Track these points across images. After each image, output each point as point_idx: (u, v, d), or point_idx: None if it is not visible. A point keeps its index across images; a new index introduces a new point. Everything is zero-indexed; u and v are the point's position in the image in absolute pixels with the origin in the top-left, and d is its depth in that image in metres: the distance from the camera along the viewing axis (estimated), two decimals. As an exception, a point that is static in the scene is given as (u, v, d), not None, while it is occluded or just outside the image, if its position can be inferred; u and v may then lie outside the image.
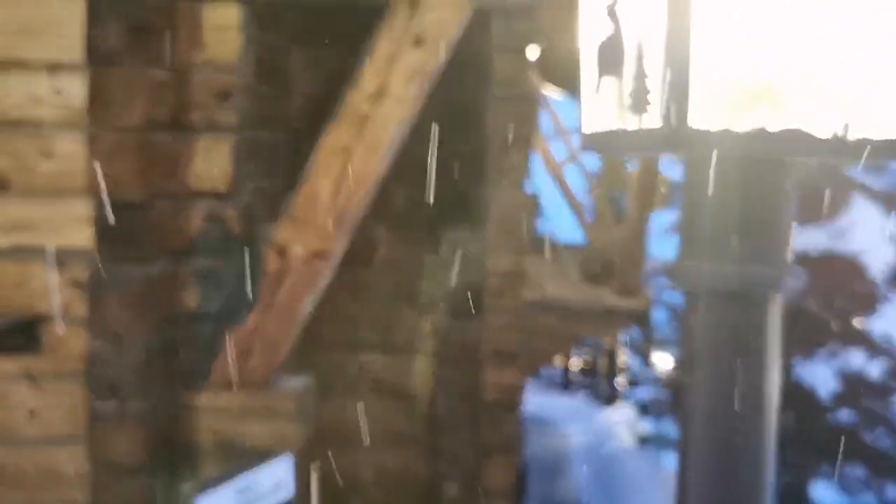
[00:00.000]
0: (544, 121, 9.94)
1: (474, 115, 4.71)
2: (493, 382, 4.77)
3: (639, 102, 0.98)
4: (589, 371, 13.73)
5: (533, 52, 5.08)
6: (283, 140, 4.43)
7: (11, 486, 3.29)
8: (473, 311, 4.74)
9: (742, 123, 0.98)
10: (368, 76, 3.26)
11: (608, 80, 1.03)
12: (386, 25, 3.24)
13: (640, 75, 0.98)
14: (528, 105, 4.95)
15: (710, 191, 1.03)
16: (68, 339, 3.24)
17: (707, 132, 0.97)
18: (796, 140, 0.97)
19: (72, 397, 3.24)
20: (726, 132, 0.97)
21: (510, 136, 4.90)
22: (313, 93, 4.72)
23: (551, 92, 10.83)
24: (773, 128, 0.97)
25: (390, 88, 3.25)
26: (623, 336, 13.92)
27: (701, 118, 0.98)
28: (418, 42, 3.24)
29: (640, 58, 0.98)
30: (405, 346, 4.86)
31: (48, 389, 3.26)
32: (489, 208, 4.71)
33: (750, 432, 1.05)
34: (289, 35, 4.49)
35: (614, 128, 1.04)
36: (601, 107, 1.06)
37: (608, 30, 1.03)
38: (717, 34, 0.96)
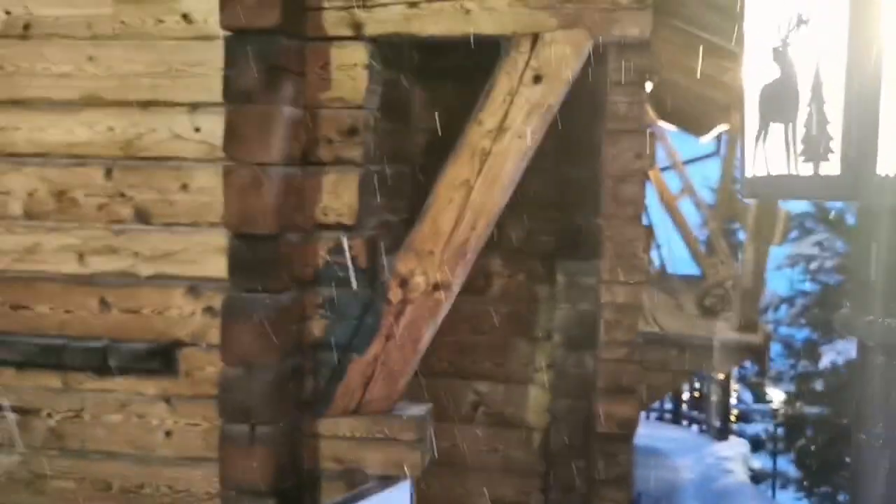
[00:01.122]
0: (659, 153, 9.84)
1: (590, 147, 4.72)
2: (607, 414, 4.74)
3: (814, 148, 0.96)
4: (700, 404, 13.38)
5: (647, 86, 5.07)
6: (406, 173, 4.54)
7: None
8: (588, 343, 4.72)
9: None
10: (489, 111, 3.31)
11: (776, 125, 1.01)
12: (506, 62, 3.30)
13: (816, 120, 0.96)
14: (643, 138, 4.92)
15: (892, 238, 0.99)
16: (202, 363, 3.42)
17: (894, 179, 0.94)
18: None
19: (205, 420, 3.40)
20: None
21: (624, 170, 4.88)
22: (434, 128, 4.82)
23: (665, 124, 10.73)
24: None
25: (510, 123, 3.30)
26: (736, 370, 13.53)
27: (886, 164, 0.95)
28: (538, 78, 3.28)
29: (815, 102, 0.96)
30: (520, 376, 4.88)
31: (183, 412, 3.43)
32: (604, 240, 4.70)
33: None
34: (411, 72, 4.61)
35: (784, 173, 1.02)
36: (767, 151, 1.04)
37: (775, 72, 1.01)
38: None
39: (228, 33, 3.17)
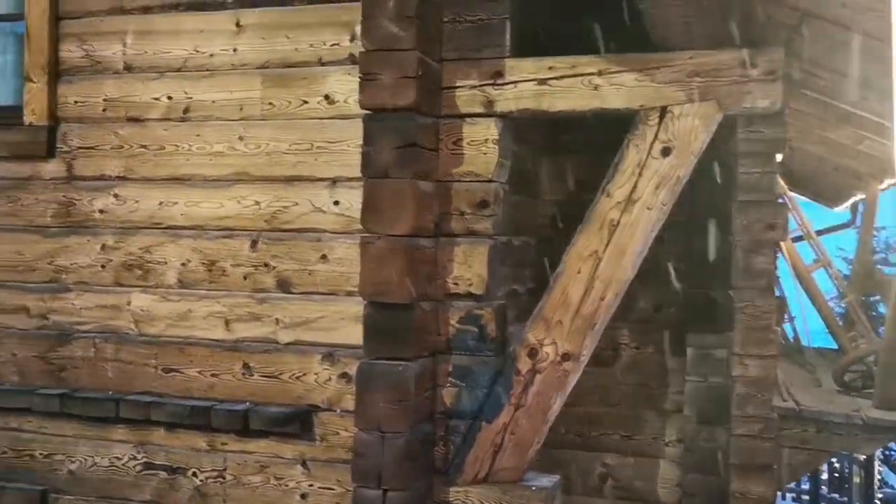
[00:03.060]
0: (790, 223, 9.57)
1: (720, 218, 4.69)
2: (741, 492, 4.58)
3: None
4: (842, 486, 12.64)
5: (778, 156, 5.00)
6: (533, 245, 4.62)
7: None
8: (720, 417, 4.61)
9: None
10: (617, 183, 3.36)
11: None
12: (634, 135, 3.35)
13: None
14: (775, 208, 4.85)
15: None
16: (337, 428, 3.53)
17: None
18: None
19: (339, 484, 3.50)
20: None
21: (756, 241, 4.81)
22: (560, 199, 4.91)
23: (797, 194, 10.47)
24: None
25: (639, 195, 3.34)
26: (880, 451, 12.78)
27: None
28: (666, 150, 3.32)
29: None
30: (649, 449, 4.80)
31: (318, 475, 3.55)
32: (736, 312, 4.62)
33: None
34: (538, 146, 4.73)
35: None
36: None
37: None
38: None
39: (367, 112, 3.34)
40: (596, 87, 3.37)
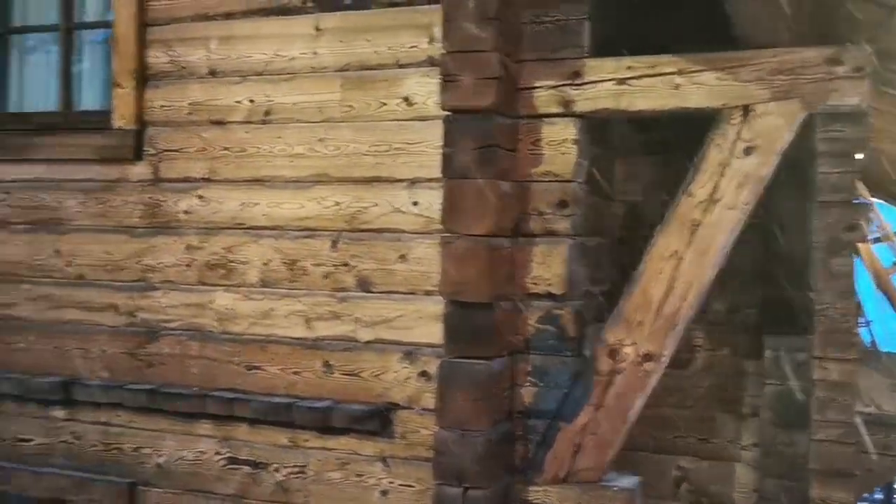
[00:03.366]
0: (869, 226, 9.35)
1: (798, 220, 4.60)
2: (822, 499, 4.48)
3: None
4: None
5: (859, 156, 4.89)
6: (608, 245, 4.59)
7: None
8: (799, 421, 4.53)
9: None
10: (699, 183, 3.34)
11: None
12: (716, 134, 3.32)
13: None
14: (854, 211, 4.74)
15: None
16: (417, 426, 3.56)
17: None
18: None
19: (419, 482, 3.53)
20: None
21: (835, 242, 4.71)
22: (634, 200, 4.88)
23: (876, 197, 10.22)
24: None
25: (721, 195, 3.31)
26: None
27: None
28: (749, 150, 3.29)
29: None
30: (725, 453, 4.73)
31: (399, 473, 3.58)
32: (815, 314, 4.53)
33: None
34: (612, 146, 4.70)
35: None
36: None
37: None
38: None
39: (447, 114, 3.37)
40: (676, 87, 3.35)
